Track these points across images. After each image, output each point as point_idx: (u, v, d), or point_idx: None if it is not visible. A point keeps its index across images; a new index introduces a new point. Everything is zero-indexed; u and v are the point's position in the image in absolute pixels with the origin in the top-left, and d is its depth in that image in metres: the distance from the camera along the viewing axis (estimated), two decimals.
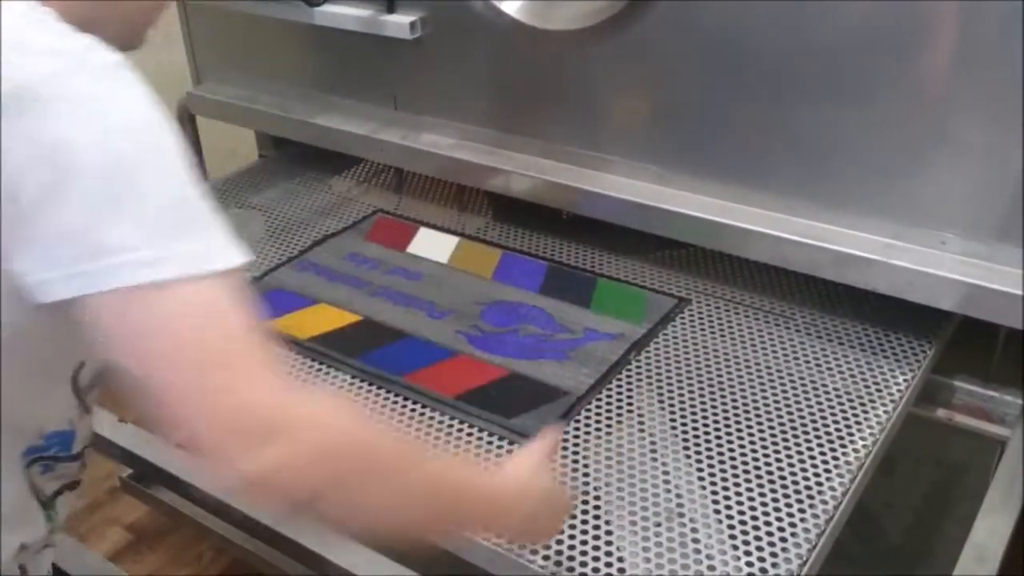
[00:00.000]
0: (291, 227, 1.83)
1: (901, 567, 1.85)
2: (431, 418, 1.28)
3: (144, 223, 0.71)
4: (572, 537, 1.09)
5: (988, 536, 1.26)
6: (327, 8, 1.69)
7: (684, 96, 1.45)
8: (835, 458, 1.20)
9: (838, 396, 1.31)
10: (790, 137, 1.38)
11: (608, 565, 1.06)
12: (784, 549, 1.07)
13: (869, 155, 1.33)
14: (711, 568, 1.05)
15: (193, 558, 1.97)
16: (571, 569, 1.05)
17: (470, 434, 1.25)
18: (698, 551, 1.07)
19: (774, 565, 1.05)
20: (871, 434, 1.24)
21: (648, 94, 1.49)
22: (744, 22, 1.34)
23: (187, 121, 2.06)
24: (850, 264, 1.34)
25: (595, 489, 1.16)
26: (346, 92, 1.84)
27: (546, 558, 1.07)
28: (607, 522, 1.11)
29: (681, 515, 1.12)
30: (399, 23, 1.62)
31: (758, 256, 1.43)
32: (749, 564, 1.05)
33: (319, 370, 1.38)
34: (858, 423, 1.26)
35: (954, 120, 1.25)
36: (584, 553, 1.07)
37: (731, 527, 1.10)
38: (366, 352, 1.41)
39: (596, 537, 1.09)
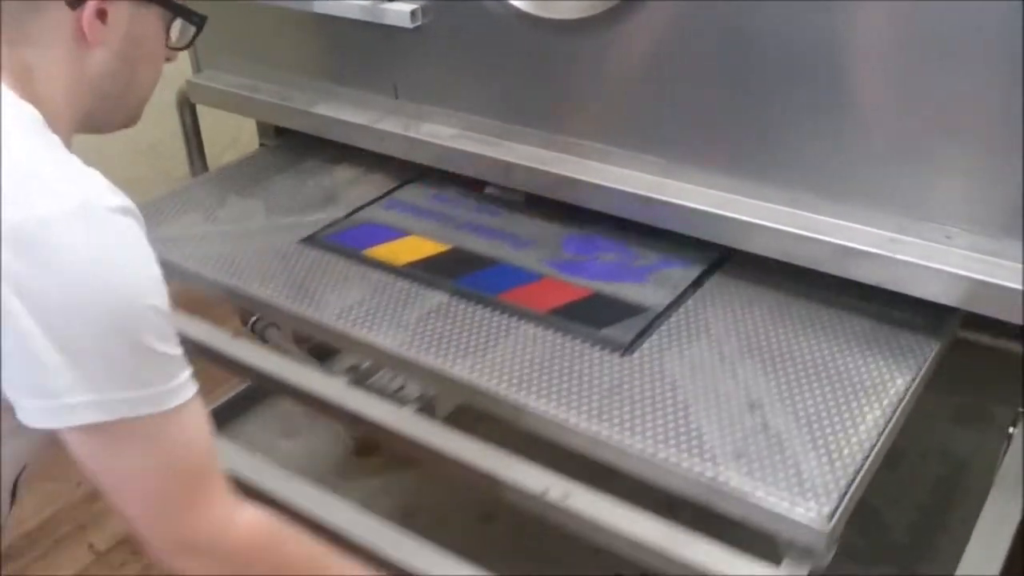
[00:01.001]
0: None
1: (905, 564, 1.84)
2: (526, 331, 1.41)
3: (106, 375, 0.83)
4: (663, 429, 1.21)
5: (993, 533, 1.24)
6: None
7: (687, 86, 1.43)
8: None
9: None
10: (793, 129, 1.36)
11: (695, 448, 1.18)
12: (850, 437, 1.18)
13: (873, 147, 1.31)
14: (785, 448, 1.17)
15: None
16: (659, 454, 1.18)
17: (563, 344, 1.38)
18: (775, 436, 1.20)
19: (839, 448, 1.17)
20: None
21: (651, 84, 1.46)
22: (748, 12, 1.32)
23: (186, 109, 2.04)
24: (853, 258, 1.32)
25: (679, 390, 1.29)
26: (346, 81, 1.82)
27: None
28: (688, 417, 1.24)
29: (753, 407, 1.25)
30: (400, 11, 1.61)
31: (760, 249, 1.41)
32: (816, 447, 1.17)
33: (417, 292, 1.52)
34: None
35: (960, 112, 1.23)
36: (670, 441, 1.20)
37: (801, 418, 1.22)
38: (459, 276, 1.55)
39: (683, 428, 1.22)
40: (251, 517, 0.96)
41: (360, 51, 1.76)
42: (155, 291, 0.87)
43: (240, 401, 2.21)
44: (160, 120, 2.23)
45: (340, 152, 1.92)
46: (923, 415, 1.37)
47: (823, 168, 1.36)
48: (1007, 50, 1.15)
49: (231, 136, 2.63)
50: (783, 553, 1.13)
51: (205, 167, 2.12)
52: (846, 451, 1.16)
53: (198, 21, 1.14)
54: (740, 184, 1.42)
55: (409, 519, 1.93)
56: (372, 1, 1.64)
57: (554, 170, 1.57)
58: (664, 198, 1.47)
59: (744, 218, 1.40)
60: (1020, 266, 1.24)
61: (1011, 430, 1.41)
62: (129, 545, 2.00)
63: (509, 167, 1.61)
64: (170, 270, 0.94)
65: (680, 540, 1.15)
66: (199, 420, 0.91)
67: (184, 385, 0.89)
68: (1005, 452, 1.40)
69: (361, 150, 1.84)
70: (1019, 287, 1.22)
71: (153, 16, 1.07)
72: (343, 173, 1.93)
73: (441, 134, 1.70)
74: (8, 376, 0.83)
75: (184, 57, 2.04)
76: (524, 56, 1.57)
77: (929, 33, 1.20)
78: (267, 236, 1.73)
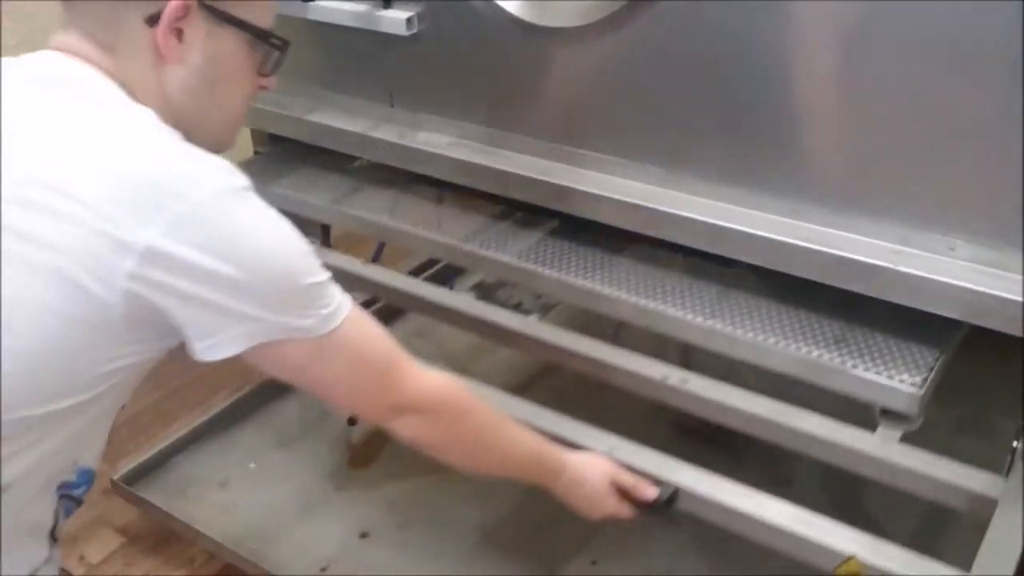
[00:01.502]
0: None
1: None
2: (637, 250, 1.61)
3: (298, 308, 0.98)
4: (769, 323, 1.43)
5: (1001, 546, 1.23)
6: (322, 3, 1.65)
7: (685, 96, 1.41)
8: None
9: None
10: (794, 139, 1.35)
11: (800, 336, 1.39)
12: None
13: (875, 157, 1.29)
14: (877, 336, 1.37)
15: (184, 561, 1.94)
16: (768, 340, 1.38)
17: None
18: (867, 329, 1.39)
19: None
20: None
21: (648, 93, 1.44)
22: (746, 22, 1.30)
23: None
24: (856, 270, 1.30)
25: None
26: (342, 88, 1.80)
27: None
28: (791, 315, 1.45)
29: None
30: (395, 19, 1.59)
31: (762, 261, 1.39)
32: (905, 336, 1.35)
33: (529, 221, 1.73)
34: None
35: (963, 121, 1.21)
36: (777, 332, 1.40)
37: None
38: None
39: (787, 323, 1.44)
40: (440, 377, 1.18)
41: (355, 58, 1.74)
42: (298, 238, 0.99)
43: (235, 411, 2.19)
44: None
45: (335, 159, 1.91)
46: (923, 426, 1.36)
47: (824, 178, 1.34)
48: (1008, 59, 1.13)
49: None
50: (878, 421, 1.33)
51: None
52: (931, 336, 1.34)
53: (279, 44, 1.12)
54: (740, 194, 1.41)
55: (404, 531, 1.91)
56: (368, 7, 1.62)
57: (550, 179, 1.55)
58: (663, 208, 1.45)
59: (744, 229, 1.38)
60: (1022, 278, 1.22)
61: (1015, 444, 1.39)
62: (122, 558, 1.97)
63: (505, 176, 1.59)
64: None
65: (788, 412, 1.38)
66: (366, 318, 1.08)
67: (344, 300, 1.03)
68: (1010, 466, 1.38)
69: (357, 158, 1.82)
70: (1021, 299, 1.20)
71: (231, 36, 1.05)
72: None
73: (437, 142, 1.68)
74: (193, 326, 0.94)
75: None
76: (521, 64, 1.55)
77: (929, 42, 1.18)
78: None
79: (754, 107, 1.35)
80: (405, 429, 1.16)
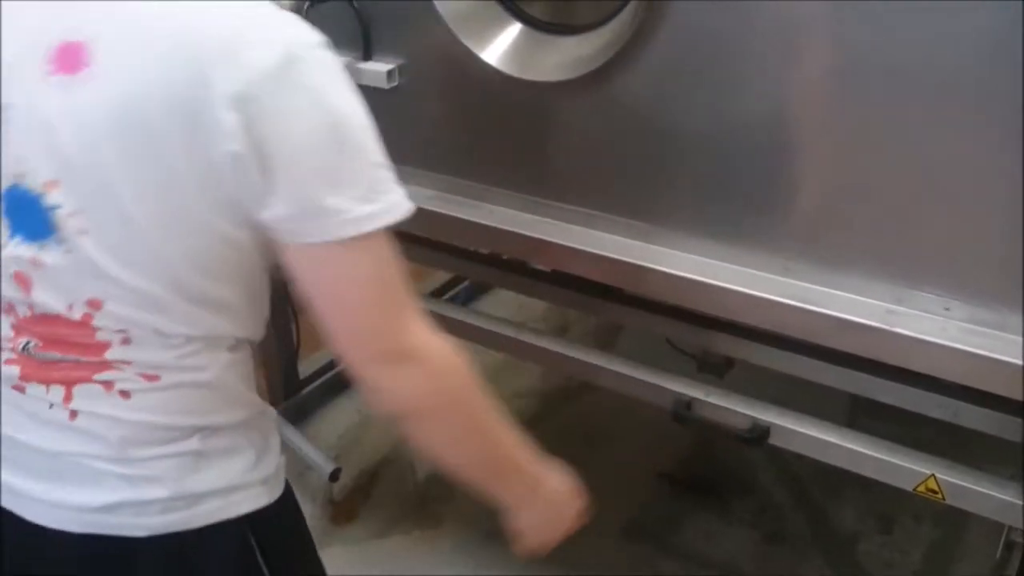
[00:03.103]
0: None
1: None
2: None
3: (352, 194, 0.88)
4: None
5: None
6: None
7: (671, 151, 1.38)
8: None
9: None
10: (786, 195, 1.32)
11: None
12: None
13: (868, 215, 1.26)
14: None
15: None
16: None
17: None
18: None
19: None
20: None
21: (633, 147, 1.41)
22: (735, 77, 1.27)
23: None
24: (850, 331, 1.27)
25: None
26: None
27: None
28: None
29: None
30: (376, 71, 1.55)
31: (754, 320, 1.36)
32: None
33: None
34: None
35: (958, 179, 1.18)
36: None
37: None
38: None
39: None
40: (447, 342, 1.01)
41: None
42: (365, 112, 0.92)
43: None
44: None
45: None
46: None
47: (815, 235, 1.31)
48: (1005, 117, 1.11)
49: None
50: None
51: None
52: None
53: None
54: (731, 251, 1.37)
55: None
56: (348, 60, 1.58)
57: (535, 235, 1.51)
58: (650, 265, 1.41)
59: (735, 288, 1.34)
60: (1021, 340, 1.19)
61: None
62: None
63: (487, 231, 1.55)
64: None
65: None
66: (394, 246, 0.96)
67: (404, 196, 0.94)
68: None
69: None
70: (1020, 363, 1.17)
71: None
72: None
73: (418, 196, 1.63)
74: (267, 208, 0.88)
75: None
76: (503, 117, 1.52)
77: (924, 99, 1.16)
78: None
79: (740, 162, 1.32)
80: (400, 380, 0.98)
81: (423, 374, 0.98)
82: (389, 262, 0.94)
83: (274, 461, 1.07)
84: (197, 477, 0.99)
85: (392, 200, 0.92)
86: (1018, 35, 1.06)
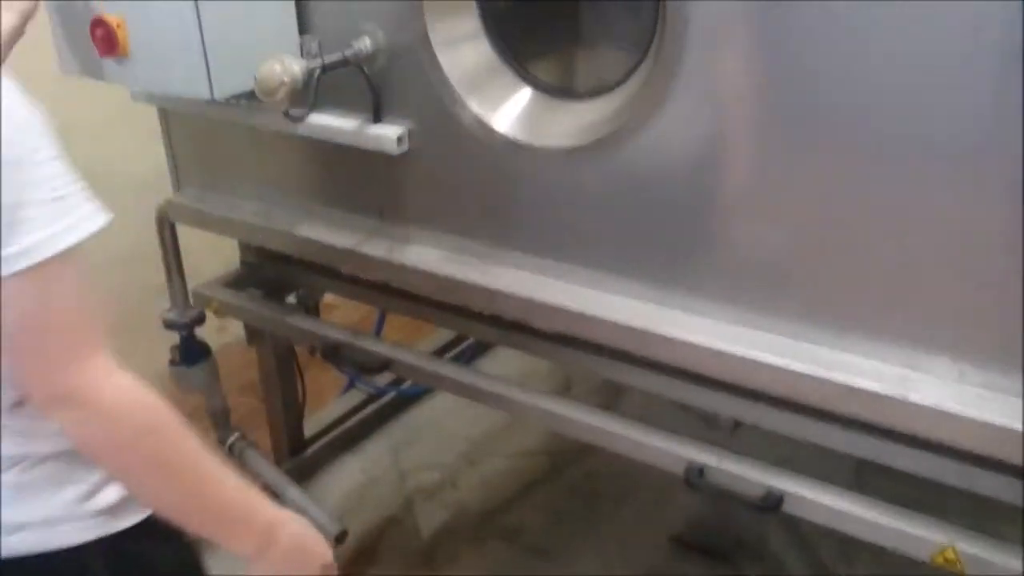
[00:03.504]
0: None
1: None
2: None
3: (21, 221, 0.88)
4: None
5: None
6: (312, 118, 1.63)
7: (678, 216, 1.38)
8: None
9: None
10: (795, 260, 1.31)
11: None
12: None
13: (879, 279, 1.25)
14: None
15: None
16: None
17: None
18: None
19: None
20: None
21: (641, 213, 1.41)
22: (743, 143, 1.28)
23: (166, 227, 1.99)
24: (862, 398, 1.26)
25: None
26: (330, 201, 1.77)
27: None
28: None
29: None
30: (386, 136, 1.56)
31: (764, 386, 1.35)
32: None
33: None
34: None
35: (971, 243, 1.17)
36: None
37: None
38: None
39: None
40: (135, 383, 0.98)
41: (345, 172, 1.71)
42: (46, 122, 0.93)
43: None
44: (141, 228, 2.19)
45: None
46: None
47: (828, 301, 1.30)
48: (1009, 183, 1.10)
49: (211, 244, 2.58)
50: None
51: (183, 284, 2.06)
52: None
53: None
54: (740, 315, 1.36)
55: None
56: (358, 124, 1.59)
57: (544, 299, 1.50)
58: (659, 331, 1.40)
59: (744, 353, 1.33)
60: None
61: None
62: None
63: (495, 295, 1.55)
64: None
65: None
66: (86, 276, 0.95)
67: (68, 227, 0.92)
68: None
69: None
70: None
71: None
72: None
73: (426, 258, 1.64)
74: None
75: (164, 174, 2.01)
76: (511, 182, 1.52)
77: (927, 165, 1.16)
78: None
79: (749, 228, 1.32)
80: (70, 423, 0.96)
81: (93, 417, 0.96)
82: (61, 296, 0.92)
83: (116, 492, 1.04)
84: (17, 507, 0.98)
85: (47, 234, 0.90)
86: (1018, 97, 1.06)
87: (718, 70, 1.28)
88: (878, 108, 1.17)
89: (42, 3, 1.44)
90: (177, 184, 1.99)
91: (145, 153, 2.75)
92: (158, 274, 2.09)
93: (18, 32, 1.27)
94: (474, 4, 1.48)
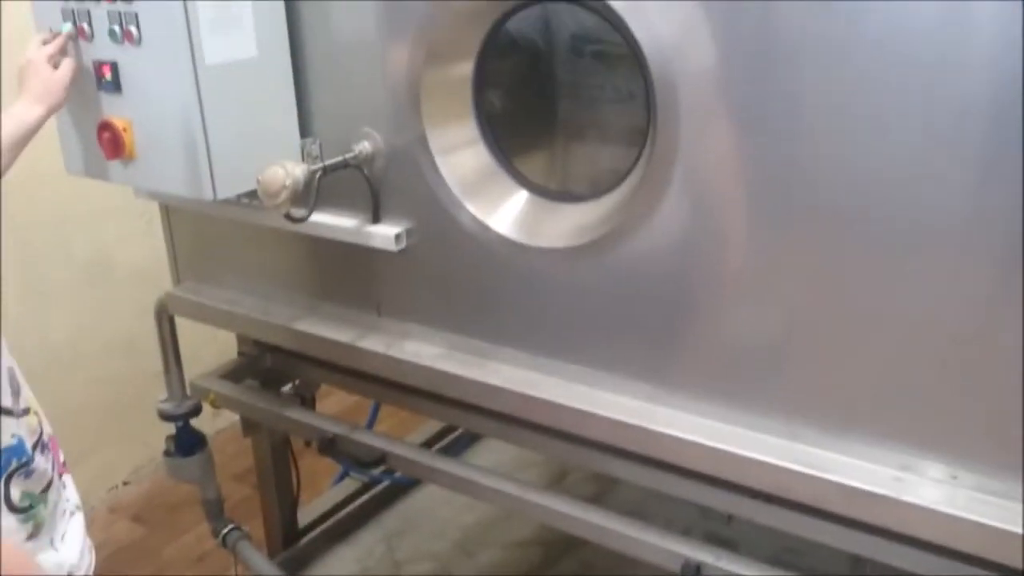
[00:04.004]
0: None
1: None
2: None
3: None
4: None
5: None
6: (312, 217, 1.66)
7: (671, 314, 1.40)
8: None
9: None
10: (789, 359, 1.33)
11: None
12: None
13: (874, 378, 1.27)
14: None
15: None
16: None
17: None
18: None
19: None
20: None
21: (634, 311, 1.44)
22: (736, 246, 1.31)
23: (165, 319, 2.01)
24: (857, 498, 1.26)
25: None
26: (329, 297, 1.80)
27: None
28: None
29: None
30: (385, 235, 1.59)
31: (760, 485, 1.36)
32: None
33: None
34: None
35: (966, 347, 1.19)
36: None
37: None
38: None
39: None
40: None
41: (344, 269, 1.74)
42: None
43: None
44: (139, 316, 2.21)
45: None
46: None
47: (823, 401, 1.32)
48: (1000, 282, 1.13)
49: (210, 329, 2.59)
50: None
51: (181, 375, 2.07)
52: None
53: None
54: (736, 414, 1.37)
55: None
56: (357, 223, 1.63)
57: (540, 395, 1.52)
58: (655, 428, 1.42)
59: (740, 452, 1.35)
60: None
61: None
62: None
63: (490, 390, 1.56)
64: None
65: None
66: None
67: None
68: None
69: None
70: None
71: None
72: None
73: (424, 353, 1.66)
74: None
75: (163, 261, 2.03)
76: (508, 280, 1.55)
77: (923, 265, 1.19)
78: None
79: (741, 326, 1.35)
80: None
81: None
82: None
83: None
84: None
85: None
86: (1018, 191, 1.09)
87: (709, 171, 1.31)
88: (869, 206, 1.20)
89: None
90: (176, 277, 2.01)
91: (143, 242, 2.81)
92: (155, 361, 2.10)
93: (40, 125, 1.34)
94: (471, 110, 1.52)
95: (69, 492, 1.22)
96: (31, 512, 1.12)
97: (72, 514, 1.21)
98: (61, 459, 1.20)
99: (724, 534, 1.81)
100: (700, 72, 1.25)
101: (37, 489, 1.12)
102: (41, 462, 1.13)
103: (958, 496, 1.22)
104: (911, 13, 1.10)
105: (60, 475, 1.18)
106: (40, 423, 1.16)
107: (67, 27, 1.53)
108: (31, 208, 2.54)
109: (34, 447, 1.12)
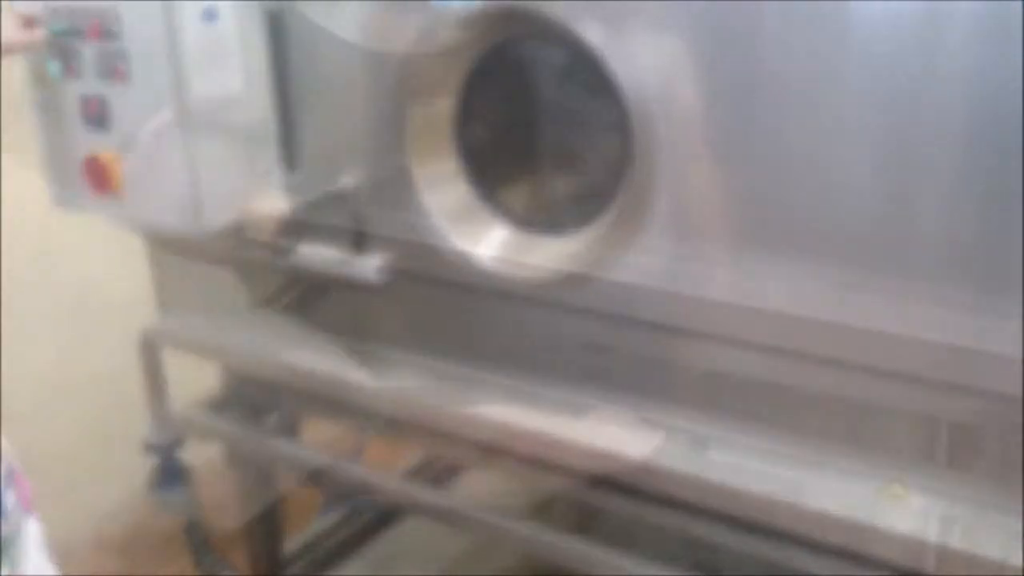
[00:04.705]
0: None
1: None
2: None
3: None
4: None
5: None
6: (297, 249, 1.67)
7: (657, 346, 1.42)
8: None
9: None
10: (769, 386, 1.35)
11: None
12: None
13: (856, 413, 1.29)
14: None
15: None
16: None
17: None
18: None
19: None
20: None
21: (620, 340, 1.45)
22: (718, 275, 1.33)
23: (149, 354, 2.00)
24: (836, 525, 1.28)
25: None
26: (313, 327, 1.80)
27: None
28: None
29: None
30: (367, 266, 1.60)
31: (741, 511, 1.37)
32: None
33: None
34: None
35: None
36: None
37: None
38: None
39: None
40: None
41: (328, 299, 1.75)
42: None
43: None
44: (122, 346, 2.19)
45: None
46: None
47: (800, 426, 1.34)
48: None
49: (195, 363, 2.59)
50: None
51: (165, 406, 2.06)
52: None
53: None
54: (717, 439, 1.39)
55: None
56: (340, 255, 1.64)
57: (519, 422, 1.53)
58: (635, 456, 1.43)
59: (722, 480, 1.36)
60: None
61: None
62: None
63: (474, 420, 1.57)
64: None
65: None
66: None
67: None
68: None
69: None
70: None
71: None
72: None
73: (407, 383, 1.67)
74: None
75: (146, 292, 2.03)
76: (491, 310, 1.56)
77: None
78: None
79: (720, 352, 1.36)
80: None
81: None
82: None
83: None
84: None
85: None
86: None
87: (689, 202, 1.34)
88: (850, 238, 1.22)
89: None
90: (161, 309, 2.02)
91: (127, 272, 2.80)
92: (139, 391, 2.09)
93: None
94: (453, 144, 1.55)
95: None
96: None
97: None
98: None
99: (712, 561, 1.81)
100: (678, 105, 1.28)
101: None
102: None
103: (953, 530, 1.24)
104: (893, 53, 1.13)
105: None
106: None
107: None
108: (12, 239, 2.54)
109: None
